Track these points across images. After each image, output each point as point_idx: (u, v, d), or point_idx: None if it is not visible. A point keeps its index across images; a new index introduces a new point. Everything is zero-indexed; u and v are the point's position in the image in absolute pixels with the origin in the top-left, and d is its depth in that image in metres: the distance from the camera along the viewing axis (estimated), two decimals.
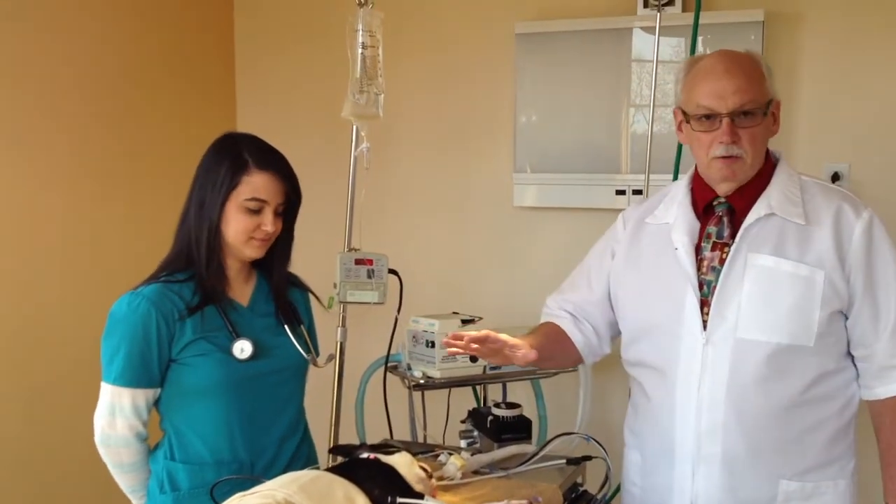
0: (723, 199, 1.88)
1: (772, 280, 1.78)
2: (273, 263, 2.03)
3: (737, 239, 1.82)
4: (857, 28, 2.77)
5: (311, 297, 2.18)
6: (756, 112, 1.79)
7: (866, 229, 1.79)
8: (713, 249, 1.86)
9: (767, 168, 1.88)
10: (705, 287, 1.85)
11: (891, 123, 2.76)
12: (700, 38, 2.83)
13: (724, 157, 1.80)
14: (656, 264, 1.93)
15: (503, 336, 1.85)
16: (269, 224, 1.90)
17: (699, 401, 1.83)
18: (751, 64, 1.83)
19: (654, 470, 1.95)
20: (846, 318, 1.82)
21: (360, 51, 2.36)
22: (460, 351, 1.84)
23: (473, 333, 1.82)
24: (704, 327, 1.83)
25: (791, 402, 1.79)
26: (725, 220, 1.87)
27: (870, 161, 2.77)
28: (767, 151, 1.90)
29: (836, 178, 2.76)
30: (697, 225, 1.90)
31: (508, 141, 3.16)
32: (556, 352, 2.08)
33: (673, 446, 1.88)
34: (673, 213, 1.94)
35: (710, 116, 1.80)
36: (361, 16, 2.36)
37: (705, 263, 1.86)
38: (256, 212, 1.89)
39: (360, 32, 2.36)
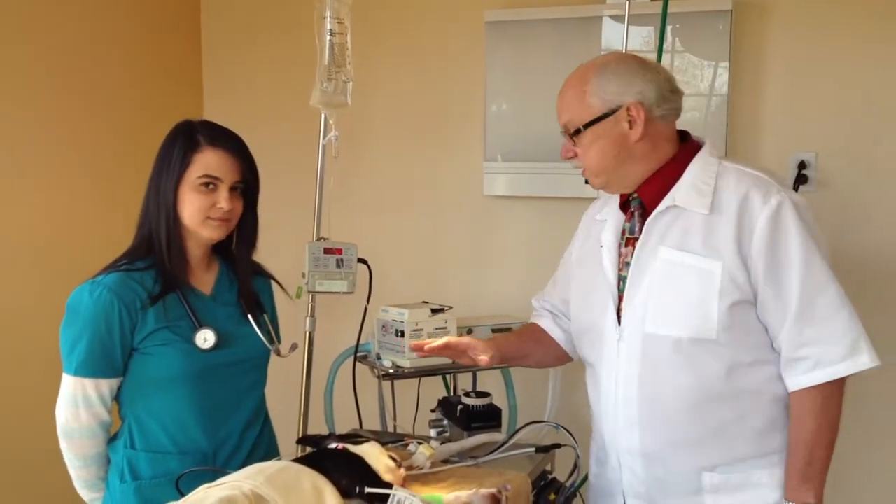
0: (635, 195, 1.88)
1: (674, 274, 1.77)
2: (237, 250, 2.02)
3: (642, 234, 1.84)
4: (824, 17, 2.79)
5: (275, 285, 2.17)
6: (575, 130, 1.82)
7: (771, 216, 1.71)
8: (626, 245, 1.88)
9: (681, 159, 1.84)
10: (622, 283, 1.87)
11: (858, 111, 2.79)
12: (669, 28, 2.84)
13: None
14: (590, 263, 1.97)
15: (465, 339, 2.00)
16: (223, 201, 1.87)
17: (616, 396, 1.86)
18: (575, 83, 1.84)
19: (600, 461, 2.00)
20: (757, 309, 1.77)
21: (327, 38, 2.34)
22: (426, 355, 1.99)
23: (435, 343, 1.95)
24: (620, 323, 1.85)
25: (703, 395, 1.76)
26: (636, 214, 1.88)
27: (837, 149, 2.79)
28: (688, 142, 1.87)
29: (803, 166, 2.78)
30: (623, 221, 1.92)
31: (478, 130, 3.15)
32: (531, 350, 2.13)
33: (604, 440, 1.94)
34: (607, 210, 1.98)
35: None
36: (329, 2, 2.34)
37: (622, 260, 1.89)
38: (210, 191, 1.87)
39: (328, 19, 2.34)
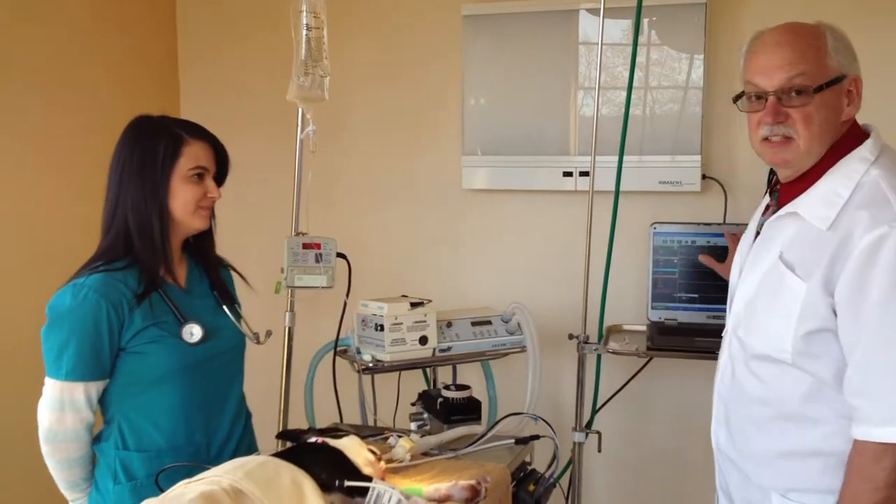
0: (778, 187, 1.76)
1: (771, 284, 1.65)
2: (203, 240, 2.04)
3: (760, 234, 1.75)
4: (796, 9, 2.79)
5: (237, 278, 2.18)
6: (807, 89, 1.59)
7: (870, 246, 1.50)
8: (755, 239, 1.79)
9: (830, 156, 1.64)
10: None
11: None
12: (646, 20, 2.85)
13: (770, 141, 1.65)
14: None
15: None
16: (213, 190, 1.95)
17: (715, 387, 1.83)
18: (810, 35, 1.63)
19: None
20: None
21: (304, 32, 2.34)
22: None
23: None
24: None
25: (776, 414, 1.66)
26: (770, 210, 1.77)
27: None
28: (851, 133, 1.66)
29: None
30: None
31: (456, 123, 3.15)
32: None
33: None
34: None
35: (759, 96, 1.65)
36: None
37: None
38: (200, 181, 1.92)
39: (305, 14, 2.33)
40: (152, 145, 1.89)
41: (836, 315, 1.55)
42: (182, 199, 1.90)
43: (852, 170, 1.60)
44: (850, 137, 1.65)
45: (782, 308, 1.61)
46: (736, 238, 2.27)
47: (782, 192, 1.73)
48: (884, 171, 1.58)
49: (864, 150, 1.62)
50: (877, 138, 1.65)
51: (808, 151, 1.63)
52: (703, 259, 2.53)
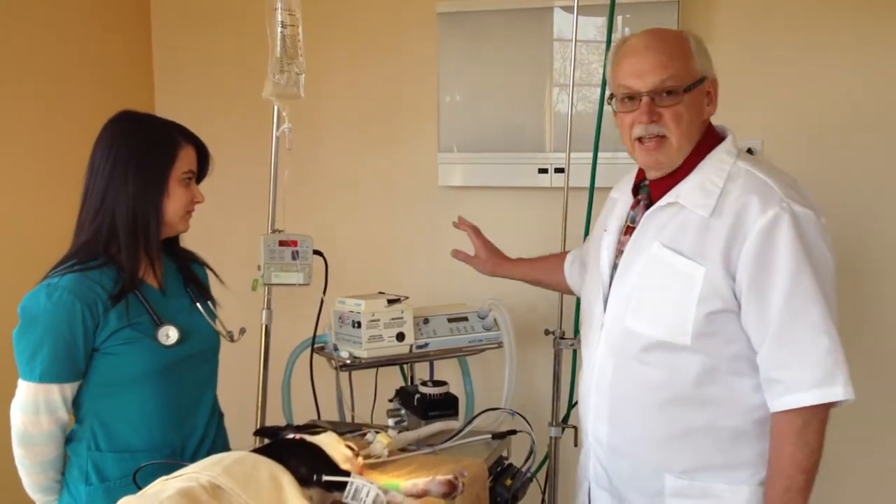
0: (646, 183, 1.86)
1: (660, 272, 1.73)
2: (169, 238, 2.01)
3: (638, 227, 1.81)
4: (769, 7, 2.85)
5: (209, 273, 2.18)
6: (677, 89, 1.72)
7: (766, 227, 1.63)
8: (626, 233, 1.86)
9: (698, 152, 1.77)
10: (615, 271, 1.85)
11: (802, 100, 2.85)
12: (620, 18, 2.87)
13: (643, 143, 1.76)
14: (597, 242, 1.96)
15: (479, 251, 2.47)
16: (199, 195, 1.95)
17: (591, 384, 1.85)
18: (675, 40, 1.77)
19: (583, 444, 1.99)
20: (741, 320, 1.70)
21: (279, 30, 2.33)
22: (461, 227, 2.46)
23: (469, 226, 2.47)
24: (605, 311, 1.84)
25: (672, 398, 1.74)
26: (642, 204, 1.86)
27: (782, 137, 2.85)
28: (710, 133, 1.81)
29: (749, 153, 2.82)
30: (629, 208, 1.91)
31: (432, 120, 3.16)
32: (541, 278, 2.44)
33: (582, 426, 1.93)
34: (623, 189, 1.95)
35: (632, 97, 1.76)
36: None
37: (619, 248, 1.87)
38: (189, 185, 1.93)
39: (280, 11, 2.32)
40: (149, 144, 1.87)
41: (736, 297, 1.67)
42: (176, 203, 1.89)
43: (721, 161, 1.75)
44: (711, 136, 1.80)
45: (676, 292, 1.70)
46: (475, 228, 2.51)
47: (653, 187, 1.82)
48: (750, 164, 1.74)
49: (728, 145, 1.78)
50: (734, 137, 1.81)
51: (679, 149, 1.76)
52: (455, 254, 2.57)
